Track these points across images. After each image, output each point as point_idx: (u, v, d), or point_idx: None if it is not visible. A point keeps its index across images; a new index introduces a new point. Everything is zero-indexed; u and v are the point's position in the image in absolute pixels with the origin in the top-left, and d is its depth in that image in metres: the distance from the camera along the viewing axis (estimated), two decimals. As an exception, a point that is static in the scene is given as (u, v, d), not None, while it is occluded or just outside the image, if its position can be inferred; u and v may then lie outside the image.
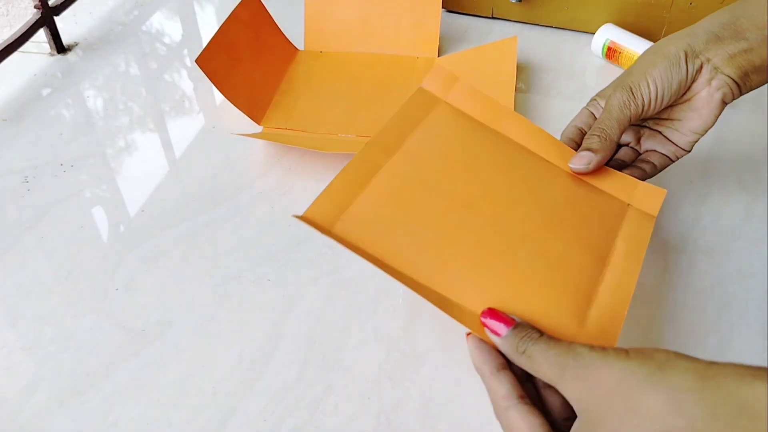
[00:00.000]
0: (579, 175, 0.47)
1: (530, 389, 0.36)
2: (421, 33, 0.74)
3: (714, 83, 0.46)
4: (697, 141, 0.49)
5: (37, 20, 0.73)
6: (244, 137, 0.62)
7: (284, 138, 0.62)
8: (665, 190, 0.46)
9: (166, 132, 0.66)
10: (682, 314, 0.48)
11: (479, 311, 0.38)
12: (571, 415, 0.34)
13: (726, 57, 0.45)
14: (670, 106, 0.48)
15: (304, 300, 0.50)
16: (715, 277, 0.51)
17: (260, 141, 0.64)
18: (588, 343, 0.33)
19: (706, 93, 0.46)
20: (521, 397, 0.35)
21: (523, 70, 0.73)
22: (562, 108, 0.68)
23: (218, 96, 0.71)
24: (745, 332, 0.47)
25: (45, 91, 0.72)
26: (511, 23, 0.81)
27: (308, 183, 0.60)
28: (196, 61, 0.59)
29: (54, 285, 0.51)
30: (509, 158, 0.46)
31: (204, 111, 0.70)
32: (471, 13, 0.83)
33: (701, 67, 0.45)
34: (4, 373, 0.45)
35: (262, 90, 0.68)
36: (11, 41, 0.70)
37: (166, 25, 0.84)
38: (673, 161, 0.50)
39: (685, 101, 0.48)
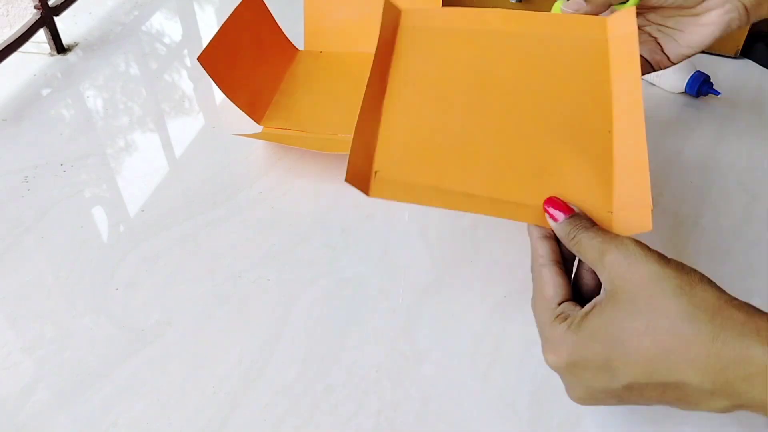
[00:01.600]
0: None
1: (569, 264, 0.41)
2: None
3: (728, 5, 0.46)
4: (687, 57, 0.49)
5: (37, 20, 0.73)
6: (244, 137, 0.62)
7: (284, 138, 0.62)
8: (634, 8, 0.47)
9: (166, 132, 0.66)
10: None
11: (534, 203, 0.41)
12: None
13: None
14: (679, 14, 0.48)
15: (304, 300, 0.50)
16: (715, 277, 0.51)
17: (260, 141, 0.64)
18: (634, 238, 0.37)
19: (717, 13, 0.46)
20: (557, 262, 0.39)
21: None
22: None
23: (218, 96, 0.71)
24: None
25: (45, 91, 0.72)
26: (511, 23, 0.81)
27: (308, 183, 0.60)
28: (198, 58, 0.59)
29: (54, 285, 0.51)
30: (495, 50, 0.48)
31: (204, 111, 0.70)
32: (471, 13, 0.82)
33: None
34: (4, 373, 0.45)
35: (263, 89, 0.68)
36: (11, 41, 0.70)
37: (166, 25, 0.84)
38: (654, 71, 0.50)
39: (693, 14, 0.48)
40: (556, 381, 0.45)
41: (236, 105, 0.62)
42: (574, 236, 0.39)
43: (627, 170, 0.42)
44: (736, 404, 0.33)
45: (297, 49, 0.75)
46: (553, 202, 0.40)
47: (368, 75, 0.45)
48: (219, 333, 0.47)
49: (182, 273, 0.52)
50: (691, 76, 0.67)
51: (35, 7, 0.74)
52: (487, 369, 0.45)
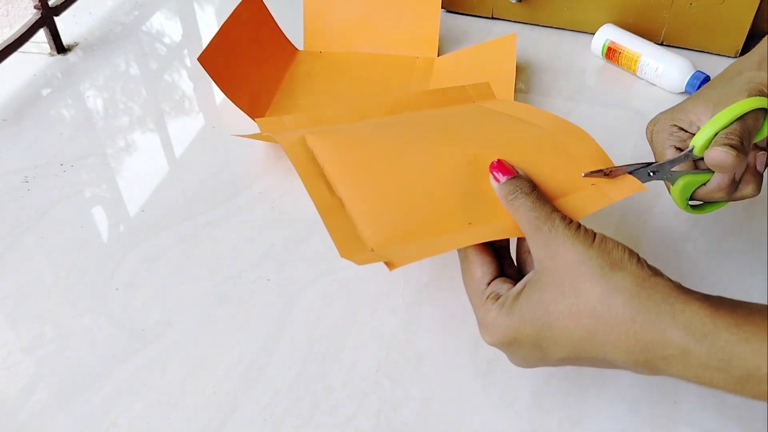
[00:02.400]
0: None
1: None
2: (420, 33, 0.74)
3: None
4: None
5: (37, 20, 0.73)
6: (245, 137, 0.62)
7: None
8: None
9: (166, 132, 0.66)
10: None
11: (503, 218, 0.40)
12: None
13: None
14: None
15: (304, 300, 0.50)
16: (715, 277, 0.51)
17: (260, 141, 0.64)
18: (567, 217, 0.37)
19: None
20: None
21: (523, 70, 0.73)
22: (562, 108, 0.68)
23: (218, 96, 0.71)
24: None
25: (45, 91, 0.72)
26: (511, 23, 0.81)
27: (308, 183, 0.60)
28: (198, 58, 0.59)
29: (54, 285, 0.51)
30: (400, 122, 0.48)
31: (204, 111, 0.70)
32: (471, 13, 0.83)
33: None
34: (4, 373, 0.45)
35: (263, 90, 0.68)
36: (11, 41, 0.70)
37: (166, 25, 0.84)
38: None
39: None
40: (557, 381, 0.45)
41: (236, 105, 0.62)
42: (514, 197, 0.39)
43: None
44: (659, 375, 0.34)
45: (297, 49, 0.75)
46: (500, 164, 0.41)
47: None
48: (219, 333, 0.47)
49: (182, 273, 0.52)
50: (692, 76, 0.67)
51: (35, 7, 0.74)
52: (487, 369, 0.45)
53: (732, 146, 0.42)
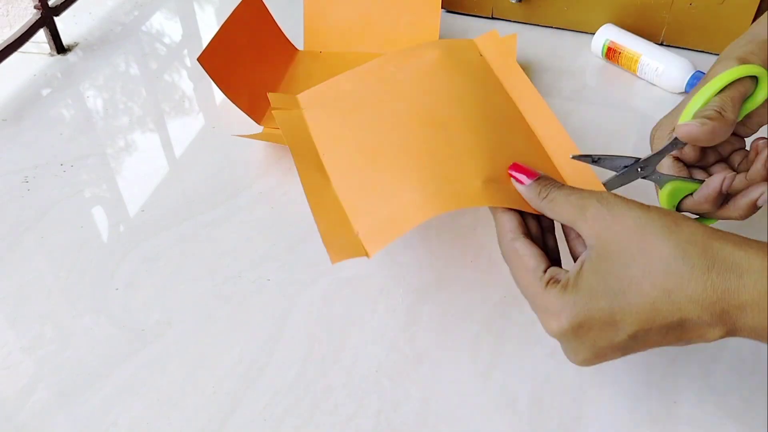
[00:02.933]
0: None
1: (536, 235, 0.41)
2: (420, 32, 0.74)
3: None
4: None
5: (37, 20, 0.73)
6: (245, 138, 0.62)
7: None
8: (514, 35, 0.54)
9: (166, 132, 0.66)
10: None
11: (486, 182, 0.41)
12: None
13: None
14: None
15: (304, 300, 0.50)
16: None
17: (260, 141, 0.64)
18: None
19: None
20: (526, 234, 0.40)
21: (523, 71, 0.73)
22: (562, 108, 0.68)
23: (218, 96, 0.71)
24: (745, 332, 0.47)
25: (45, 92, 0.72)
26: (511, 23, 0.81)
27: (308, 183, 0.60)
28: (198, 59, 0.59)
29: (54, 285, 0.51)
30: (393, 88, 0.50)
31: (204, 111, 0.70)
32: (471, 13, 0.83)
33: None
34: (4, 373, 0.45)
35: (263, 90, 0.68)
36: (11, 41, 0.70)
37: (166, 25, 0.84)
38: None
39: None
40: (556, 380, 0.45)
41: (236, 105, 0.62)
42: (547, 194, 0.39)
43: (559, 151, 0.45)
44: (731, 331, 0.34)
45: (297, 49, 0.75)
46: (518, 166, 0.41)
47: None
48: (219, 333, 0.47)
49: (182, 273, 0.52)
50: (692, 76, 0.67)
51: (35, 7, 0.74)
52: (487, 369, 0.45)
53: (706, 117, 0.41)
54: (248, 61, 0.67)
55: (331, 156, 0.46)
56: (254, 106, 0.65)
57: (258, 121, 0.64)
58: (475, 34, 0.79)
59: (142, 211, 0.57)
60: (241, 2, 0.67)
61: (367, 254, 0.40)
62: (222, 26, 0.64)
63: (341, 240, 0.41)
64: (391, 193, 0.42)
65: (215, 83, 0.60)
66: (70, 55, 0.77)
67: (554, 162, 0.45)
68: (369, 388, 0.44)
